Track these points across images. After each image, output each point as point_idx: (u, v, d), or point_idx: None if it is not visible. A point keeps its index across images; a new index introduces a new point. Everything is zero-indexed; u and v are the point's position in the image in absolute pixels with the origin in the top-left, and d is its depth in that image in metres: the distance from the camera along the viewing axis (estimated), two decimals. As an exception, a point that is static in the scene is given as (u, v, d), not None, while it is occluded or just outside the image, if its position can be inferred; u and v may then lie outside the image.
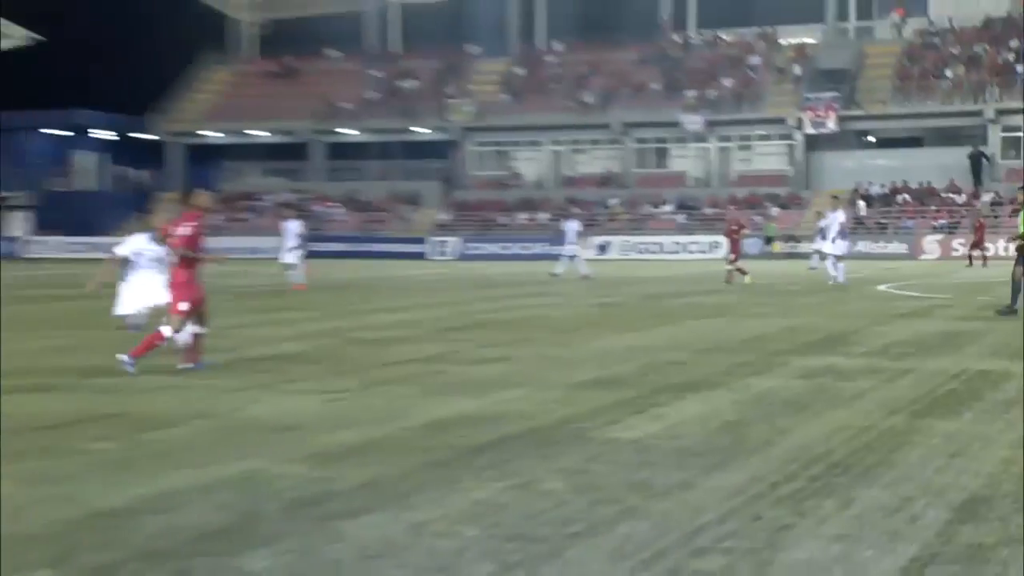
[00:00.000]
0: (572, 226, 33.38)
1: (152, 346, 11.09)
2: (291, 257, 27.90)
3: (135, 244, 13.99)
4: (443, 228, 58.97)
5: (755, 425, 8.33)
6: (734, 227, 30.00)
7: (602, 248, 52.27)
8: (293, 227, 28.07)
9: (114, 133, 70.95)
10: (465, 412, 8.93)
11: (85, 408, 9.07)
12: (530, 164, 63.65)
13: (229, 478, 6.58)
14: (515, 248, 54.33)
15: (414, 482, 6.49)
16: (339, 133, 65.35)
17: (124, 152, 70.58)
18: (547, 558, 5.09)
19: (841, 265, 27.97)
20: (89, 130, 70.18)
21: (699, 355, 12.85)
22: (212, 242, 43.58)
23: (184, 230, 11.33)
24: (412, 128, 64.06)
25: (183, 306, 11.16)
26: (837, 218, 28.52)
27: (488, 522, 5.66)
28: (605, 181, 61.48)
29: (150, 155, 68.75)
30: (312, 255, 54.23)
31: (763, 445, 7.58)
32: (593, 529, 5.55)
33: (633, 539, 5.36)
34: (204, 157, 66.95)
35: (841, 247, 28.17)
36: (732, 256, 28.95)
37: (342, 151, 66.21)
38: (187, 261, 11.30)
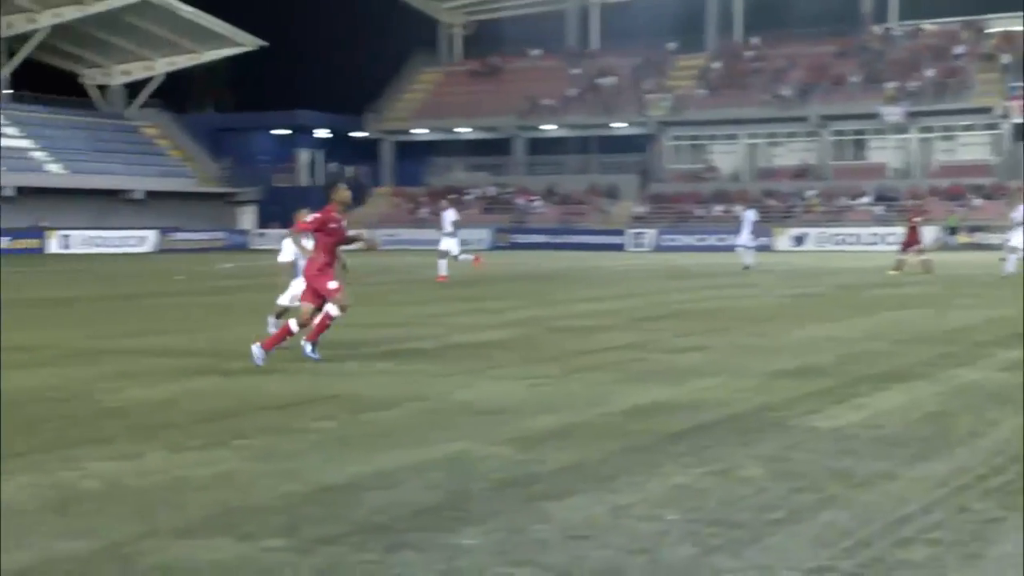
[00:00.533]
0: (749, 216, 32.67)
1: (281, 339, 10.93)
2: (448, 245, 27.48)
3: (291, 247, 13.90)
4: (640, 220, 58.66)
5: (959, 416, 7.98)
6: (916, 217, 29.00)
7: (798, 239, 50.98)
8: (449, 216, 27.84)
9: (329, 131, 73.46)
10: (663, 399, 8.87)
11: (306, 390, 9.42)
12: (726, 157, 62.64)
13: (440, 458, 6.72)
14: (711, 240, 53.56)
15: (615, 466, 6.49)
16: (540, 129, 65.82)
17: (338, 150, 73.04)
18: (748, 543, 5.01)
19: (1013, 257, 26.56)
20: (313, 130, 72.86)
21: (899, 345, 12.40)
22: (418, 234, 45.02)
23: (310, 218, 11.20)
24: (610, 123, 63.96)
25: (332, 284, 10.99)
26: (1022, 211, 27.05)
27: (688, 506, 5.61)
28: (801, 173, 59.94)
29: (362, 152, 70.90)
30: (513, 246, 55.35)
31: (968, 437, 7.26)
32: (794, 516, 5.42)
33: (835, 527, 5.22)
34: (412, 153, 68.61)
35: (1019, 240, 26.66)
36: (912, 246, 27.90)
37: (543, 146, 66.68)
38: (323, 253, 11.02)
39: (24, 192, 54.20)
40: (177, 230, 57.46)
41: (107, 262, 41.23)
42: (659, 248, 53.69)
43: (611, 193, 61.80)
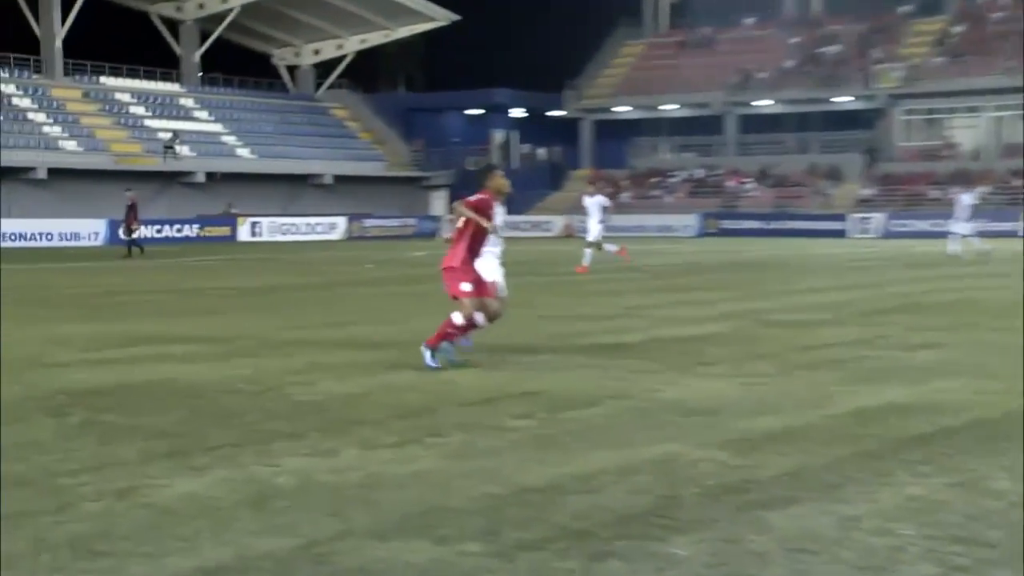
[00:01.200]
0: (965, 199, 31.10)
1: (445, 335, 10.54)
2: (596, 235, 26.81)
3: None
4: (866, 204, 56.99)
5: None
6: None
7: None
8: (598, 202, 27.06)
9: (525, 111, 74.08)
10: (896, 401, 8.61)
11: (503, 385, 9.54)
12: (967, 132, 60.11)
13: (647, 461, 6.70)
14: (947, 225, 51.54)
15: (842, 474, 6.33)
16: (754, 105, 64.76)
17: (534, 130, 73.62)
18: (999, 564, 4.80)
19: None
20: (508, 109, 73.63)
21: None
22: (621, 220, 44.70)
23: (473, 197, 10.71)
24: (833, 97, 62.33)
25: (466, 287, 10.51)
26: None
27: (926, 521, 5.42)
28: (1056, 150, 57.03)
29: (560, 132, 71.28)
30: (723, 233, 54.69)
31: None
32: (1052, 537, 5.17)
33: (1099, 552, 4.95)
34: (614, 133, 68.57)
35: None
36: None
37: (757, 123, 65.57)
38: (467, 243, 10.60)
39: (214, 177, 56.85)
40: (367, 216, 59.13)
41: (297, 249, 42.86)
42: (888, 234, 52.06)
43: (833, 174, 60.22)
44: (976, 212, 31.65)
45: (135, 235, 36.54)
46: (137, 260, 33.83)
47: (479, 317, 10.64)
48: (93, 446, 7.18)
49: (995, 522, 5.40)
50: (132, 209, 36.04)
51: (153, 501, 5.87)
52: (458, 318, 10.45)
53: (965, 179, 56.19)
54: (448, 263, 10.65)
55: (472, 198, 10.64)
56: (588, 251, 26.77)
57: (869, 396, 8.86)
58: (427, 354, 10.47)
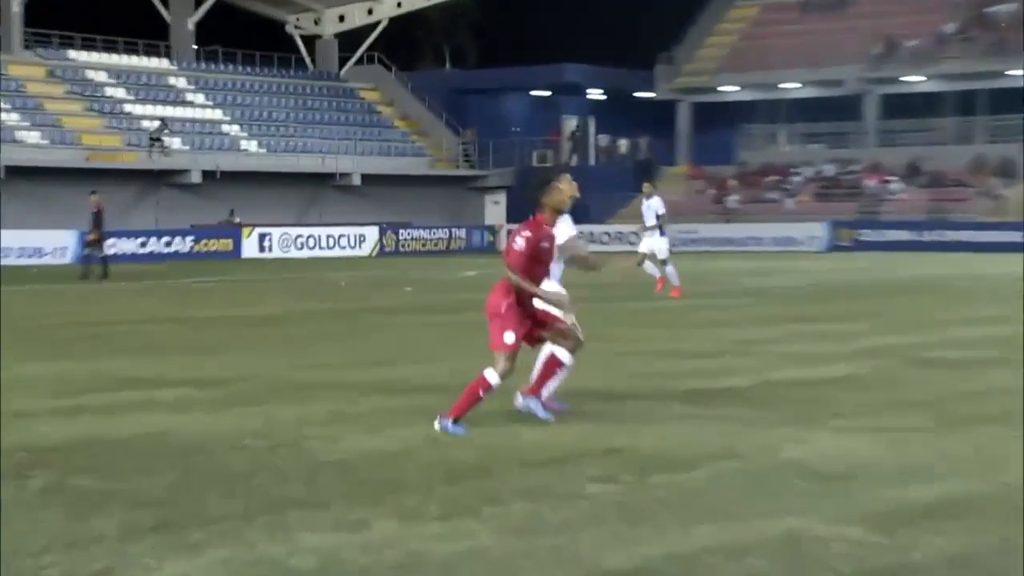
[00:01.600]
0: (650, 205, 30.36)
1: (476, 397, 10.10)
2: (650, 245, 26.80)
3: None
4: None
5: None
6: None
7: None
8: (653, 205, 26.86)
9: (604, 92, 74.13)
10: (1089, 466, 8.53)
11: (578, 441, 9.55)
12: None
13: (765, 539, 6.70)
14: None
15: (1020, 558, 6.29)
16: (902, 81, 64.41)
17: (616, 116, 73.60)
18: None
19: None
20: (585, 91, 73.61)
21: None
22: (729, 230, 44.56)
23: (520, 242, 10.22)
24: (1006, 71, 61.83)
25: (509, 338, 10.08)
26: None
27: None
28: None
29: (650, 119, 71.29)
30: (861, 246, 54.40)
31: None
32: None
33: None
34: (719, 120, 68.49)
35: None
36: None
37: (905, 106, 65.16)
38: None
39: (212, 177, 57.39)
40: (405, 226, 59.46)
41: (316, 268, 43.19)
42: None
43: (1006, 171, 59.68)
44: None
45: (105, 250, 36.49)
46: (102, 283, 33.90)
47: (565, 356, 10.52)
48: (62, 517, 7.28)
49: None
50: (98, 217, 35.94)
51: (137, 586, 5.95)
52: (492, 376, 10.07)
53: None
54: (492, 303, 10.27)
55: (520, 242, 10.20)
56: (669, 268, 26.63)
57: (1053, 458, 8.79)
58: (447, 424, 10.01)
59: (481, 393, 10.07)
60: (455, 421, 9.95)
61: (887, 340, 17.11)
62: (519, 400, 10.64)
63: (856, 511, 7.32)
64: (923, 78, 63.97)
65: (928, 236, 55.22)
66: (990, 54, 62.21)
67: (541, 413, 10.47)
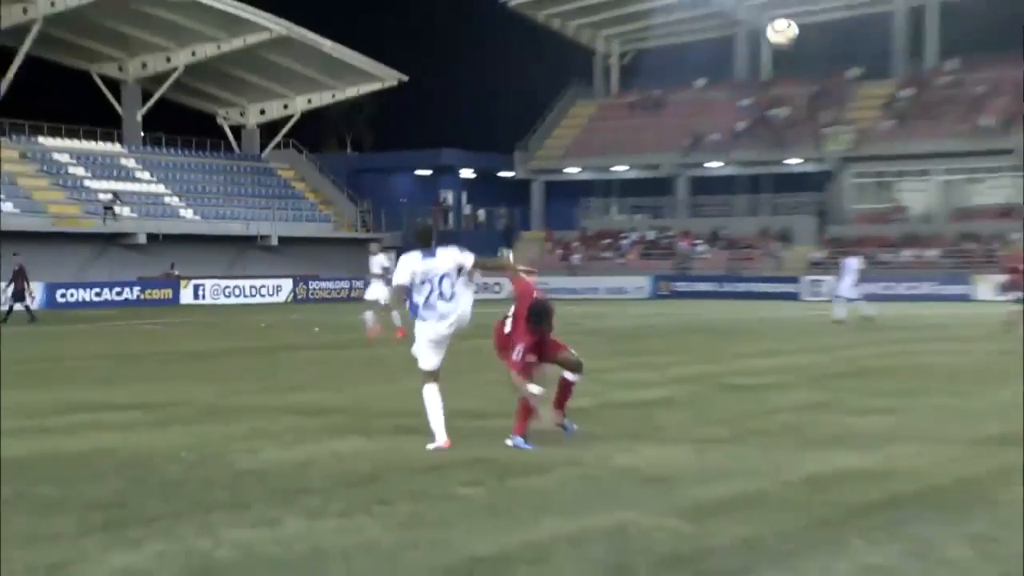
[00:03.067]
0: (852, 264, 31.40)
1: (529, 412, 9.90)
2: (375, 292, 25.42)
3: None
4: (818, 267, 57.60)
5: None
6: (1013, 265, 27.66)
7: (1004, 288, 49.19)
8: (379, 260, 25.96)
9: (474, 172, 74.44)
10: (850, 467, 8.66)
11: (452, 453, 9.49)
12: (917, 196, 61.08)
13: (600, 530, 6.68)
14: (899, 288, 52.24)
15: (797, 542, 6.35)
16: (705, 166, 65.47)
17: (484, 191, 73.96)
18: (954, 636, 4.81)
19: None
20: (461, 170, 73.91)
21: None
22: (572, 282, 44.57)
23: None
24: (784, 159, 63.21)
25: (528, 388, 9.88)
26: None
27: (883, 591, 5.43)
28: (1005, 212, 58.02)
29: (511, 193, 71.65)
30: (675, 295, 55.02)
31: None
32: (1007, 606, 5.20)
33: (1056, 620, 4.98)
34: (565, 194, 68.99)
35: None
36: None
37: (708, 185, 66.25)
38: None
39: (155, 239, 56.46)
40: (313, 278, 58.95)
41: (241, 312, 42.58)
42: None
43: (785, 236, 60.90)
44: (862, 276, 31.83)
45: (28, 302, 35.42)
46: (39, 326, 32.94)
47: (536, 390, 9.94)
48: (24, 519, 7.04)
49: (951, 591, 5.42)
50: (20, 274, 35.17)
51: (88, 576, 5.76)
52: (534, 388, 9.81)
53: (916, 242, 57.10)
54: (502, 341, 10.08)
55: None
56: (394, 313, 24.62)
57: (823, 462, 8.91)
58: (519, 441, 9.81)
59: (533, 406, 9.84)
60: (518, 438, 9.81)
61: (696, 369, 17.25)
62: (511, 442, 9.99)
63: (672, 506, 7.34)
64: (722, 164, 65.07)
65: (726, 287, 56.08)
66: (772, 147, 63.54)
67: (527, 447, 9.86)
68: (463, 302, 9.94)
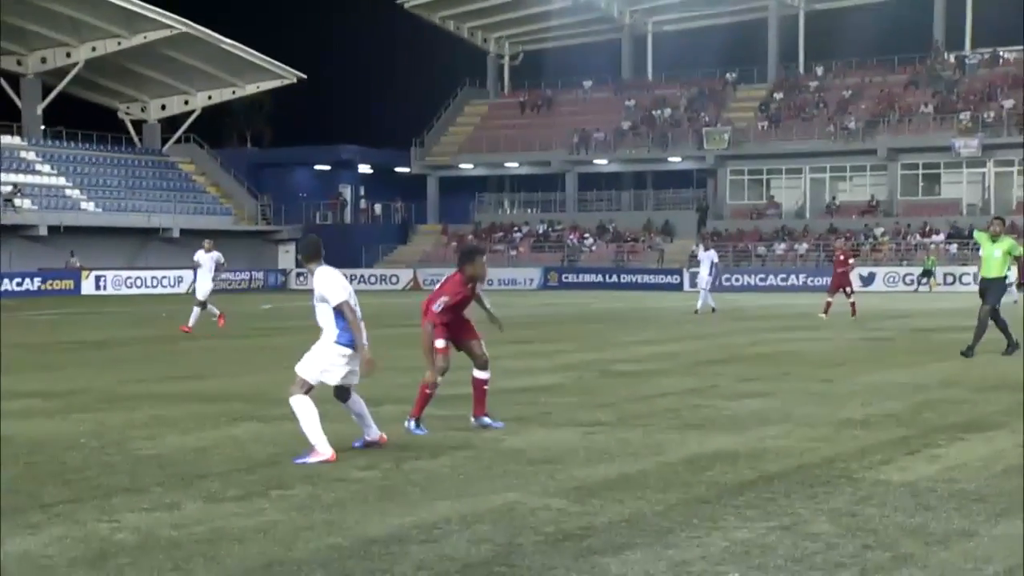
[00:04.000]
0: (709, 256, 32.05)
1: (426, 398, 9.88)
2: (204, 293, 24.60)
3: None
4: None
5: (1044, 470, 7.84)
6: (841, 257, 28.73)
7: (866, 279, 50.54)
8: (213, 256, 24.98)
9: (371, 167, 73.98)
10: (725, 448, 8.82)
11: (348, 438, 9.42)
12: (789, 192, 62.37)
13: (489, 510, 6.71)
14: (773, 279, 53.32)
15: (674, 519, 6.45)
16: (593, 163, 65.97)
17: (381, 186, 73.52)
18: (817, 604, 4.94)
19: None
20: (359, 166, 73.35)
21: (977, 393, 12.23)
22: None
23: (439, 304, 9.96)
24: (667, 157, 63.99)
25: (440, 344, 9.92)
26: None
27: (753, 563, 5.55)
28: (870, 209, 59.55)
29: (407, 188, 71.36)
30: (564, 286, 55.41)
31: (1054, 492, 7.12)
32: (866, 575, 5.34)
33: (910, 588, 5.13)
34: (459, 189, 68.93)
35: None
36: (840, 289, 27.81)
37: (595, 181, 66.81)
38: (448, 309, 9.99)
39: (58, 231, 55.09)
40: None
41: (142, 303, 41.74)
42: (717, 288, 53.42)
43: (667, 230, 61.72)
44: (717, 269, 32.63)
45: None
46: None
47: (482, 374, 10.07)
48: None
49: (813, 563, 5.56)
50: None
51: (-14, 561, 5.62)
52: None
53: (788, 236, 58.30)
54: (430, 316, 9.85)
55: (439, 304, 9.84)
56: (210, 307, 24.93)
57: (700, 443, 9.05)
58: (411, 424, 9.74)
59: (428, 392, 9.78)
60: (417, 423, 9.72)
61: (583, 356, 17.39)
62: (474, 422, 10.05)
63: (558, 486, 7.40)
64: (608, 161, 65.61)
65: (613, 279, 56.59)
66: (656, 145, 64.28)
67: (496, 424, 10.00)
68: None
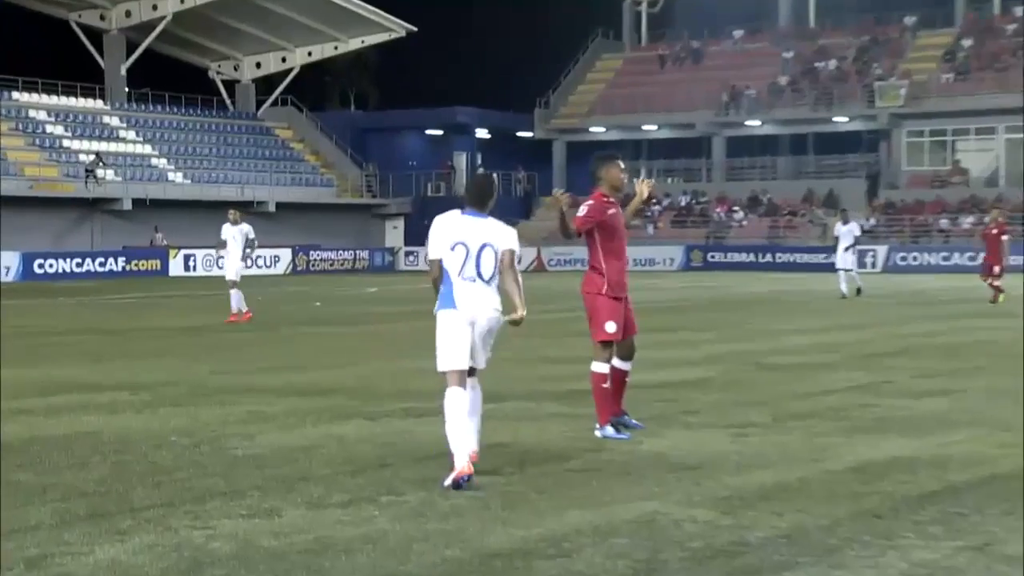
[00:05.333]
0: (849, 229, 31.00)
1: (603, 394, 9.61)
2: (235, 273, 24.06)
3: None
4: (867, 235, 57.46)
5: None
6: (994, 231, 27.63)
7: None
8: (244, 230, 24.24)
9: (489, 132, 74.26)
10: (901, 455, 8.69)
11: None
12: (979, 157, 60.81)
13: (627, 521, 6.72)
14: (958, 259, 52.06)
15: (842, 536, 6.38)
16: (744, 125, 65.28)
17: (499, 153, 73.70)
18: (1013, 637, 4.84)
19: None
20: (475, 130, 73.71)
21: None
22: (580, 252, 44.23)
23: (583, 210, 10.05)
24: (832, 117, 62.97)
25: (611, 327, 9.70)
26: None
27: (936, 589, 5.46)
28: (1077, 175, 57.78)
29: (530, 155, 71.53)
30: (709, 266, 55.01)
31: None
32: (1071, 605, 5.22)
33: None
34: (589, 156, 68.81)
35: None
36: (993, 268, 26.83)
37: (747, 146, 66.11)
38: (603, 262, 9.94)
39: (142, 205, 56.59)
40: (314, 248, 59.09)
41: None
42: (891, 268, 52.51)
43: (831, 202, 60.75)
44: (857, 242, 31.55)
45: None
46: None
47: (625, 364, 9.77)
48: (2, 509, 7.11)
49: (1011, 589, 5.44)
50: None
51: (69, 571, 5.82)
52: (600, 367, 9.56)
53: (977, 207, 56.86)
54: (588, 288, 9.86)
55: (583, 210, 9.95)
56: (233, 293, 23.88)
57: (871, 449, 8.94)
58: (607, 431, 9.50)
59: (602, 385, 9.54)
60: (607, 425, 9.49)
61: (733, 347, 17.28)
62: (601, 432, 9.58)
63: (705, 496, 7.37)
64: (761, 123, 64.88)
65: (766, 258, 56.01)
66: (819, 104, 63.32)
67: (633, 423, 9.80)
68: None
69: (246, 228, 24.45)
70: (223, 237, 24.61)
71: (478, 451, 8.05)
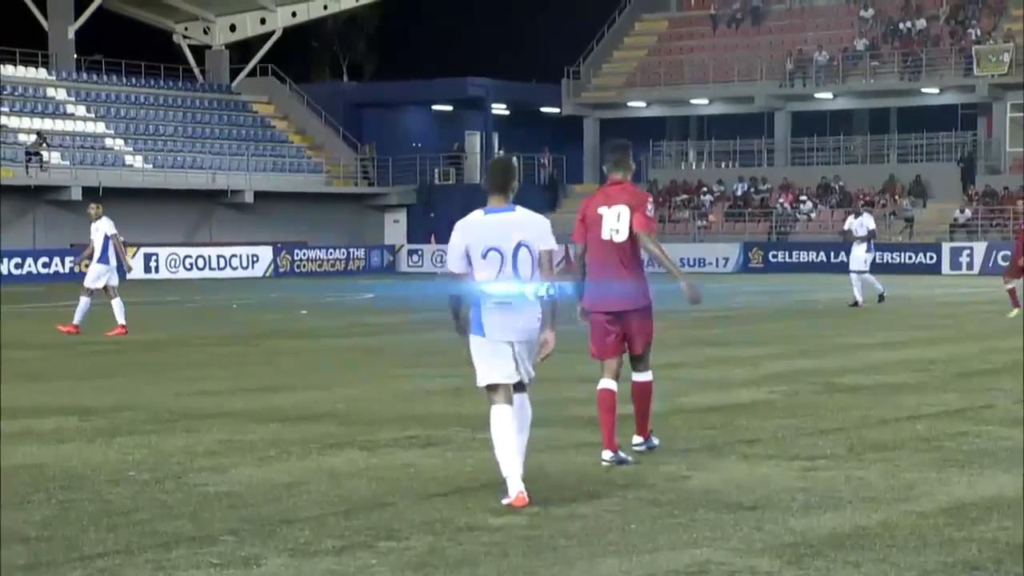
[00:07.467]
0: (862, 223, 30.86)
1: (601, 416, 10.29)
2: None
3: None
4: (963, 229, 57.38)
5: None
6: None
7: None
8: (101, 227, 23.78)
9: (507, 108, 74.09)
10: (1004, 494, 8.68)
11: (479, 471, 9.53)
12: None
13: (672, 571, 6.74)
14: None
15: (932, 590, 6.39)
16: (814, 98, 65.20)
17: (519, 132, 73.57)
18: None
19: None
20: (492, 106, 73.49)
21: None
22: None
23: (650, 207, 10.71)
24: (920, 88, 62.84)
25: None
26: None
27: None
28: None
29: (557, 135, 71.47)
30: (771, 268, 54.93)
31: None
32: None
33: None
34: (626, 136, 68.63)
35: None
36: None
37: (816, 123, 65.99)
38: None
39: (94, 194, 56.63)
40: (300, 245, 59.20)
41: (206, 290, 42.79)
42: (990, 270, 52.35)
43: (918, 191, 60.65)
44: (872, 237, 31.37)
45: None
46: None
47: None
48: (-72, 555, 7.14)
49: None
50: None
51: (11, 628, 5.85)
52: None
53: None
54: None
55: (650, 208, 10.73)
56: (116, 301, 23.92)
57: (968, 487, 8.94)
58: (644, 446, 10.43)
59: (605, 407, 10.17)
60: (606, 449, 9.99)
61: (799, 364, 17.23)
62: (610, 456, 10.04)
63: (767, 541, 7.37)
64: (833, 96, 64.72)
65: (840, 258, 55.78)
66: (904, 72, 63.16)
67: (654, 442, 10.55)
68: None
69: (105, 223, 23.77)
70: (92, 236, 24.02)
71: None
